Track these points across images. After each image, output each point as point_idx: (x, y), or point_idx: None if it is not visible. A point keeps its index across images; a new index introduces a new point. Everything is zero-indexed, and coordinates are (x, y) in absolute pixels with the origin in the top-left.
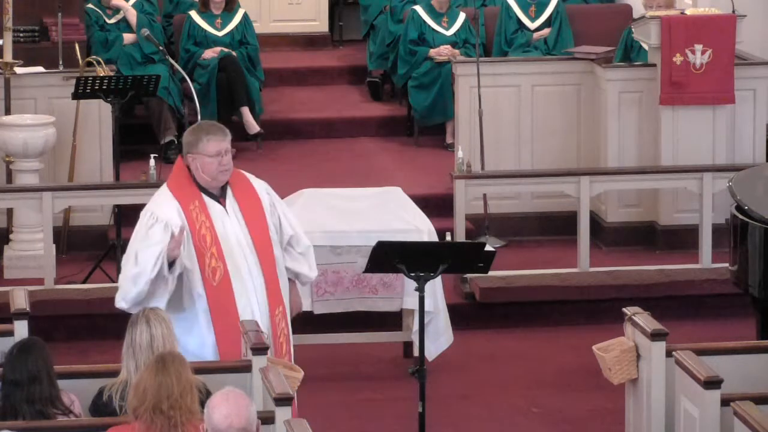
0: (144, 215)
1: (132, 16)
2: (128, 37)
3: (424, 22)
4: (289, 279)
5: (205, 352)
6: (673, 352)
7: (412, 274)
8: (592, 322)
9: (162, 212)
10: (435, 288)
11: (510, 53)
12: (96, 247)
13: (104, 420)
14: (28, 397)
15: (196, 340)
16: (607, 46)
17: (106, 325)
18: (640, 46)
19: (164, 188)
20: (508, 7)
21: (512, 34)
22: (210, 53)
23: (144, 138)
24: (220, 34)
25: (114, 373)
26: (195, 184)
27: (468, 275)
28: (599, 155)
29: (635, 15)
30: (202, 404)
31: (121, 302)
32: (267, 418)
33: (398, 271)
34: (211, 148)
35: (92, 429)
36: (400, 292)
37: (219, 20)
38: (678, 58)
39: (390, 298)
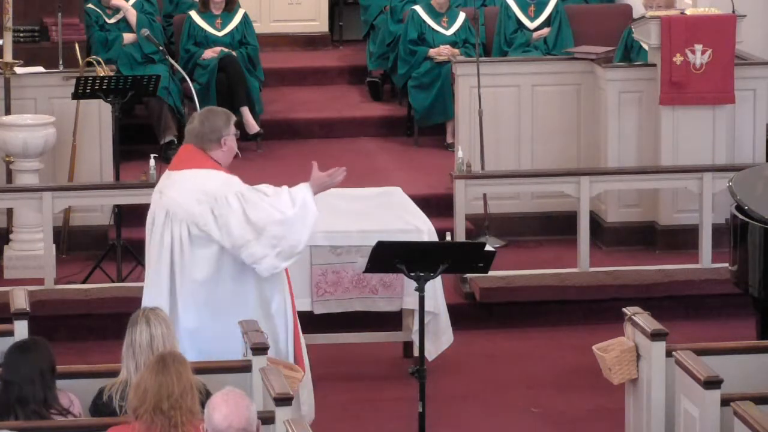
0: (226, 196)
1: (132, 16)
2: (128, 37)
3: (424, 22)
4: None
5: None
6: (673, 352)
7: (412, 274)
8: (592, 322)
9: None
10: (435, 288)
11: (510, 53)
12: (96, 247)
13: (104, 420)
14: (20, 398)
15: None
16: (607, 46)
17: (106, 325)
18: (640, 46)
19: (212, 171)
20: (507, 7)
21: (512, 34)
22: (210, 53)
23: (144, 138)
24: (220, 34)
25: (114, 373)
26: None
27: (468, 275)
28: (599, 155)
29: (635, 15)
30: (202, 405)
31: (286, 260)
32: (267, 418)
33: (398, 271)
34: (233, 128)
35: (92, 429)
36: (400, 292)
37: (219, 20)
38: (678, 58)
39: (390, 298)
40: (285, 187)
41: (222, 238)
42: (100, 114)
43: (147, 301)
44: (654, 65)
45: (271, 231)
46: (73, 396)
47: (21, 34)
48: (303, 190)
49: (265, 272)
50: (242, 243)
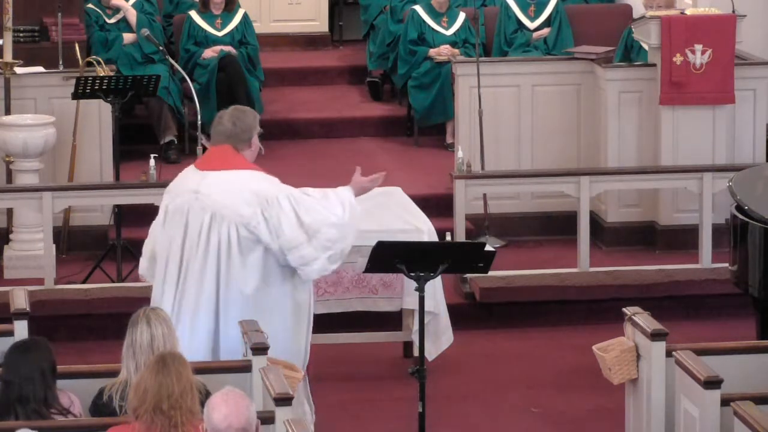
0: (278, 197)
1: (132, 16)
2: (128, 37)
3: (424, 21)
4: None
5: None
6: (673, 352)
7: (412, 274)
8: (592, 322)
9: None
10: (435, 288)
11: (510, 53)
12: (96, 247)
13: (104, 420)
14: (20, 397)
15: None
16: (607, 46)
17: (106, 325)
18: (640, 46)
19: (254, 172)
20: (507, 7)
21: (512, 34)
22: (210, 53)
23: (144, 138)
24: (220, 34)
25: (114, 373)
26: None
27: (468, 275)
28: (599, 155)
29: (635, 15)
30: (202, 405)
31: (336, 263)
32: (267, 418)
33: (398, 271)
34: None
35: (92, 429)
36: (400, 292)
37: (219, 20)
38: (678, 58)
39: (390, 298)
40: (329, 190)
41: (271, 240)
42: (100, 114)
43: (186, 305)
44: (654, 65)
45: (325, 233)
46: (74, 396)
47: (21, 34)
48: (347, 192)
49: (314, 274)
50: (294, 245)
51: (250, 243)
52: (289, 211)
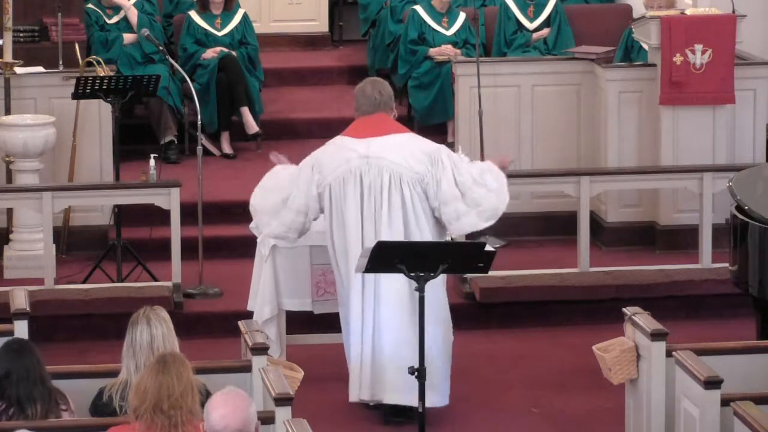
0: (441, 156)
1: (133, 15)
2: (128, 37)
3: (425, 21)
4: None
5: None
6: (673, 352)
7: (412, 274)
8: (592, 322)
9: None
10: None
11: (509, 54)
12: (96, 247)
13: (104, 420)
14: (24, 397)
15: None
16: (607, 46)
17: (106, 325)
18: (640, 46)
19: (412, 134)
20: (507, 8)
21: (512, 34)
22: (210, 53)
23: (144, 138)
24: (220, 34)
25: (114, 373)
26: None
27: (468, 275)
28: (599, 155)
29: (635, 15)
30: (203, 405)
31: (485, 221)
32: (267, 418)
33: (398, 271)
34: None
35: (92, 429)
36: None
37: (218, 20)
38: (678, 58)
39: None
40: (477, 161)
41: (434, 195)
42: (100, 114)
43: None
44: (654, 65)
45: (476, 191)
46: (67, 397)
47: (21, 34)
48: (491, 163)
49: (467, 228)
50: (450, 199)
51: (421, 201)
52: (448, 169)
